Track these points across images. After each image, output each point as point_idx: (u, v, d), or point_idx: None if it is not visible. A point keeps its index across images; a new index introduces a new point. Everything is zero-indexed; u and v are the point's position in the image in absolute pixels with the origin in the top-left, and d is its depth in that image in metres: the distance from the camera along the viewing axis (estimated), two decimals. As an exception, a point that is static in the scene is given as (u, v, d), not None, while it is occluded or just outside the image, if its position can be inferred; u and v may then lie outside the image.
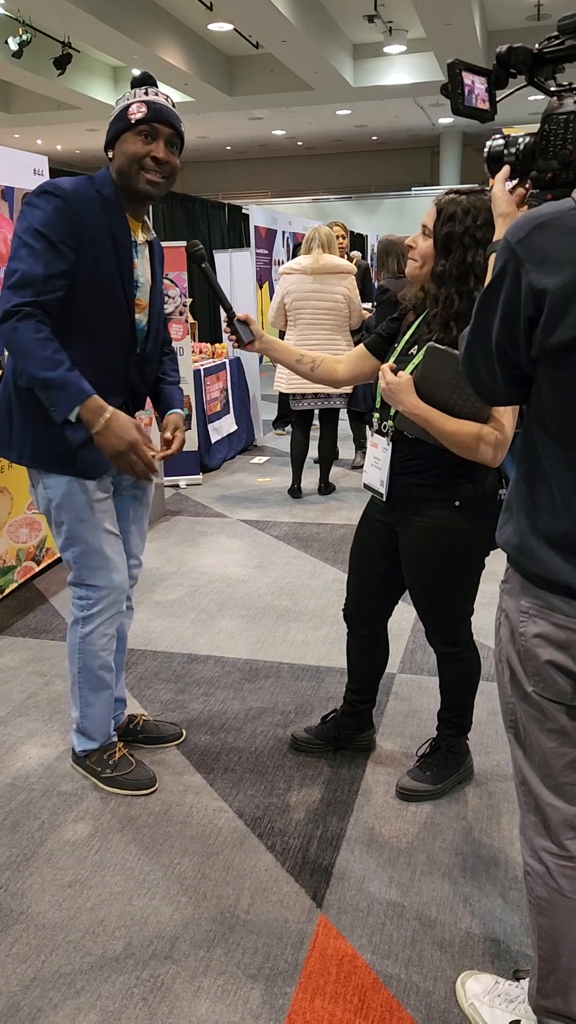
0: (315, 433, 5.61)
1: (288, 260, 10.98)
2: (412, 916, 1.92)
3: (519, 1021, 1.57)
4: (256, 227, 9.63)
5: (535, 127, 1.40)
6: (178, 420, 2.35)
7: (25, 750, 2.60)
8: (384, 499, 2.17)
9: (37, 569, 3.99)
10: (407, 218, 18.37)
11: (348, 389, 5.24)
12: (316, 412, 5.41)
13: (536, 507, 1.30)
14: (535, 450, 1.29)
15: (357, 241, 14.44)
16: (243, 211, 10.81)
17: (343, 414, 6.07)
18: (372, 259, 15.34)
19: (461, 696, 2.33)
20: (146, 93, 2.03)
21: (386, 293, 4.55)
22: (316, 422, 5.55)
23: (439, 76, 13.75)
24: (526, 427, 1.32)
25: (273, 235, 10.92)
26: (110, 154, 2.05)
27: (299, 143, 21.78)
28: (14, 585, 3.80)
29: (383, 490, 2.17)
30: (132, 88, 2.07)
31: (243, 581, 4.00)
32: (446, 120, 18.84)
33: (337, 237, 5.67)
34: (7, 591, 3.74)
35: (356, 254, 7.96)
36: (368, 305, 5.59)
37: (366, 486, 2.25)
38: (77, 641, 2.30)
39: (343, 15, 12.71)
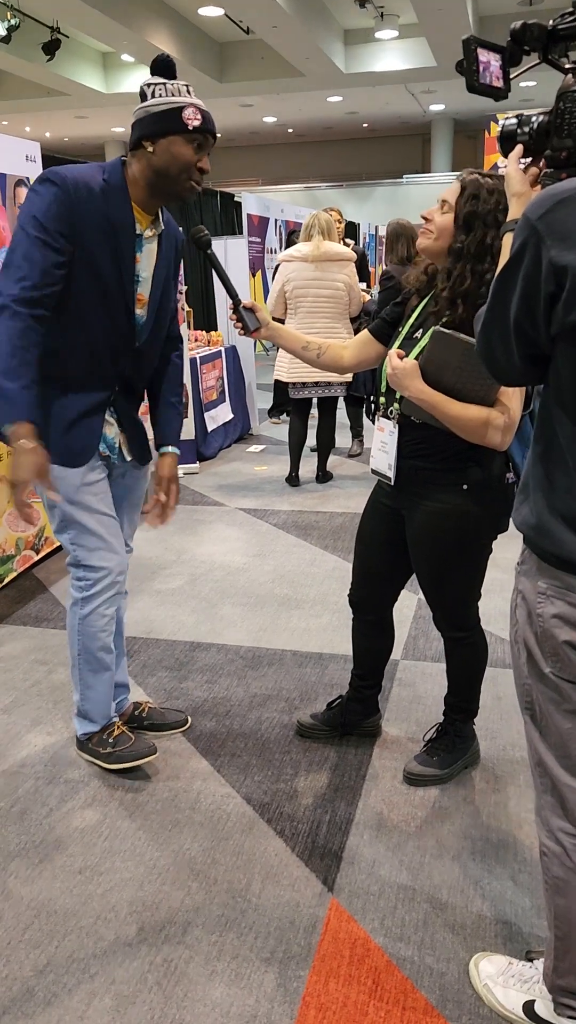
0: (312, 422, 5.60)
1: (281, 248, 10.96)
2: (423, 899, 1.92)
3: (534, 1001, 1.58)
4: (249, 215, 9.58)
5: (528, 111, 1.39)
6: (172, 466, 2.32)
7: (30, 738, 2.60)
8: (391, 483, 2.17)
9: (36, 558, 3.97)
10: (399, 206, 18.31)
11: (348, 377, 5.22)
12: (314, 400, 5.40)
13: (553, 486, 1.30)
14: (552, 429, 1.28)
15: (349, 229, 14.37)
16: (236, 199, 10.75)
17: (340, 402, 6.06)
18: (365, 246, 15.30)
19: (468, 681, 2.33)
20: (189, 92, 2.01)
21: (391, 279, 4.53)
22: (314, 411, 5.53)
23: (431, 62, 13.73)
24: (542, 406, 1.31)
25: (266, 223, 10.87)
26: (150, 148, 2.00)
27: (290, 130, 21.67)
28: (13, 574, 3.78)
29: (391, 474, 2.16)
30: (158, 74, 2.01)
31: (243, 569, 4.00)
32: (437, 107, 18.77)
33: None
34: (7, 580, 3.73)
35: (350, 242, 7.94)
36: (364, 286, 5.57)
37: (373, 471, 2.25)
38: (76, 622, 2.30)
39: (334, 0, 12.63)
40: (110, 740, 2.41)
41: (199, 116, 1.99)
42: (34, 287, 1.91)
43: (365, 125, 21.14)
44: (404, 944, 1.80)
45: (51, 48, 12.28)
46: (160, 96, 1.99)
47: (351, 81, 15.16)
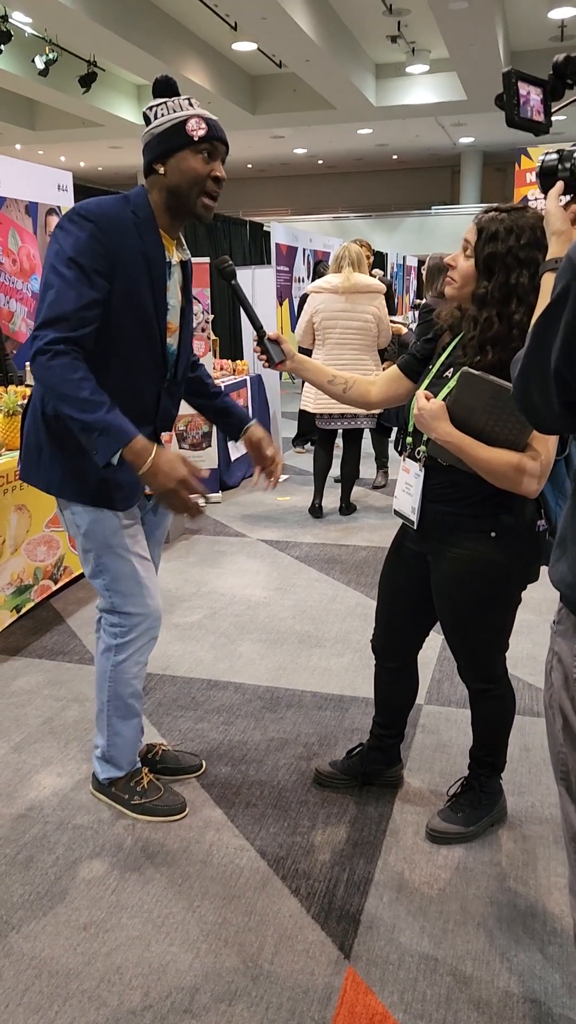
0: (337, 451, 5.54)
1: (309, 277, 10.98)
2: (446, 971, 1.81)
3: None
4: (277, 244, 9.62)
5: (568, 146, 1.32)
6: (261, 429, 2.30)
7: (40, 779, 2.52)
8: (415, 527, 2.08)
9: (54, 588, 3.92)
10: (427, 237, 18.37)
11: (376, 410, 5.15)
12: (340, 431, 5.34)
13: (594, 544, 1.21)
14: (593, 483, 1.20)
15: (378, 260, 14.39)
16: (264, 228, 10.80)
17: (366, 432, 5.99)
18: (393, 276, 15.32)
19: (495, 735, 2.23)
20: (191, 104, 1.96)
21: (430, 312, 4.46)
22: (339, 439, 5.47)
23: (461, 95, 13.79)
24: (584, 458, 1.23)
25: (294, 252, 10.91)
26: (161, 170, 1.96)
27: (320, 161, 21.87)
28: (31, 604, 3.73)
29: (414, 518, 2.08)
30: (160, 95, 1.98)
31: (264, 604, 3.91)
32: (467, 140, 18.86)
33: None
34: (24, 610, 3.67)
35: (378, 272, 7.91)
36: (400, 318, 5.52)
37: (397, 512, 2.17)
38: (108, 669, 2.22)
39: (366, 35, 12.75)
40: (138, 789, 2.33)
41: (204, 125, 1.93)
42: (71, 329, 1.86)
43: (395, 157, 21.28)
44: (425, 1022, 1.68)
45: (87, 81, 12.49)
46: (163, 115, 1.95)
47: (381, 114, 15.28)
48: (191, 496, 1.90)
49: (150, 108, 1.96)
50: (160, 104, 1.95)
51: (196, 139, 1.92)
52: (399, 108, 14.88)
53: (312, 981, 1.78)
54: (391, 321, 5.50)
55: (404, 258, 16.88)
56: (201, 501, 2.02)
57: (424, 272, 4.89)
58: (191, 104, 1.96)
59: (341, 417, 5.13)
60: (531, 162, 6.19)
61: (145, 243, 1.97)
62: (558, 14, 11.30)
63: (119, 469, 1.91)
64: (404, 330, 5.47)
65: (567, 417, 1.21)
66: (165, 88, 1.98)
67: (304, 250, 11.22)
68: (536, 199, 5.95)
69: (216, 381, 5.75)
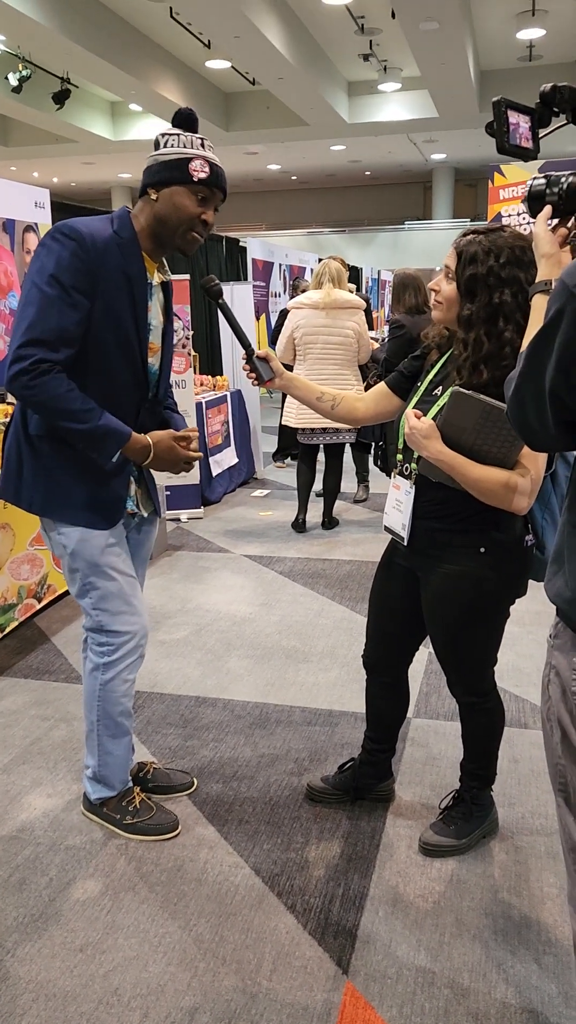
0: (319, 466, 5.57)
1: (286, 293, 11.04)
2: (443, 984, 1.82)
3: None
4: (254, 259, 9.67)
5: (528, 163, 1.36)
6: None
7: (30, 800, 2.50)
8: (405, 543, 2.11)
9: (38, 606, 3.90)
10: (401, 252, 18.57)
11: None
12: (322, 445, 5.38)
13: (589, 559, 1.23)
14: (588, 499, 1.23)
15: (352, 274, 14.53)
16: (241, 244, 10.86)
17: (347, 447, 6.03)
18: (368, 291, 15.44)
19: (485, 747, 2.25)
20: (203, 146, 1.99)
21: (401, 329, 4.52)
22: (321, 454, 5.51)
23: (433, 113, 13.98)
24: (577, 475, 1.26)
25: (270, 268, 10.97)
26: (154, 196, 1.98)
27: (293, 177, 22.04)
28: (15, 623, 3.70)
29: (404, 534, 2.10)
30: (177, 126, 2.00)
31: (249, 619, 3.92)
32: (438, 156, 19.10)
33: None
34: (8, 630, 3.65)
35: (352, 287, 7.98)
36: (375, 334, 5.58)
37: (387, 528, 2.19)
38: (97, 688, 2.22)
39: (338, 54, 12.90)
40: (130, 808, 2.32)
41: (207, 169, 1.97)
42: (53, 349, 1.89)
43: (367, 173, 21.50)
44: (425, 1035, 1.69)
45: (61, 97, 12.52)
46: (172, 146, 1.97)
47: (354, 131, 15.44)
48: (192, 461, 2.16)
49: (163, 135, 1.99)
50: (174, 135, 1.97)
51: (196, 180, 1.96)
52: (371, 125, 15.06)
53: (311, 997, 1.79)
54: None
55: (379, 273, 17.04)
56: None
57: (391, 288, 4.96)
58: (203, 145, 1.99)
59: (323, 432, 5.16)
60: (504, 179, 6.28)
61: (127, 263, 1.99)
62: (526, 35, 11.52)
63: (104, 487, 2.07)
64: (376, 345, 5.53)
65: (562, 436, 1.24)
66: (184, 121, 2.01)
67: (280, 265, 11.29)
68: (510, 215, 6.05)
69: (196, 397, 5.73)
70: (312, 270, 6.31)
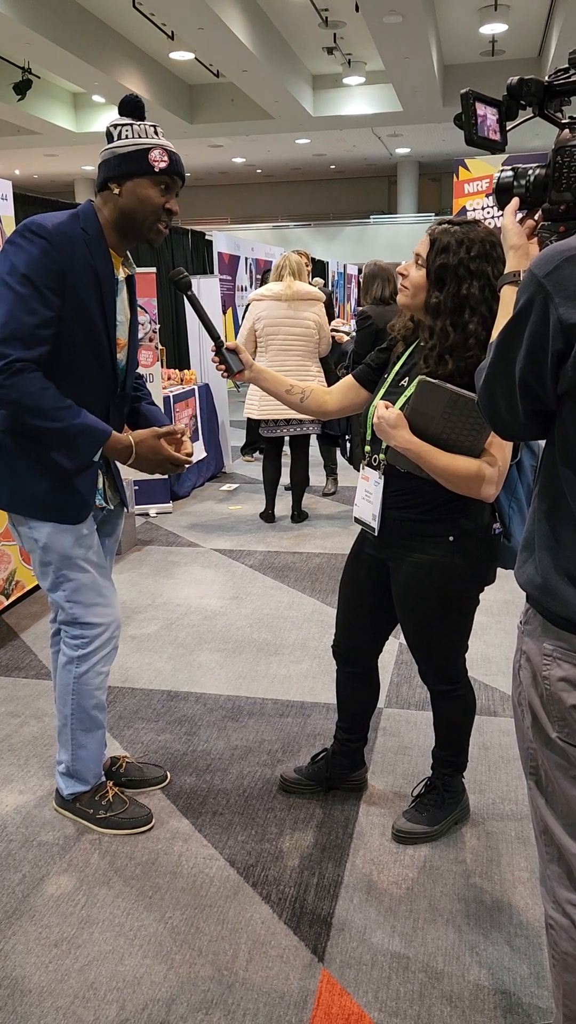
0: (286, 459, 5.57)
1: (252, 286, 11.02)
2: (418, 968, 1.84)
3: None
4: (220, 253, 9.64)
5: (492, 157, 1.38)
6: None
7: (1, 797, 2.48)
8: (375, 534, 2.12)
9: (6, 603, 3.86)
10: (368, 245, 18.61)
11: None
12: (287, 439, 5.38)
13: (560, 545, 1.26)
14: (558, 486, 1.25)
15: (318, 268, 14.54)
16: (207, 237, 10.82)
17: (313, 439, 6.04)
18: (333, 284, 15.45)
19: (457, 734, 2.28)
20: (157, 133, 1.98)
21: (368, 320, 4.54)
22: (286, 448, 5.51)
23: (397, 107, 14.03)
24: (547, 462, 1.28)
25: (236, 261, 10.94)
26: (116, 190, 1.97)
27: (258, 171, 21.99)
28: (-18, 621, 3.67)
29: (375, 524, 2.12)
30: (126, 115, 1.99)
31: (220, 613, 3.92)
32: (403, 150, 19.18)
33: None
34: (-25, 627, 3.61)
35: (318, 281, 7.99)
36: (344, 327, 5.60)
37: (357, 520, 2.20)
38: (71, 681, 2.20)
39: (303, 46, 12.89)
40: (103, 803, 2.31)
41: (166, 158, 1.96)
42: (27, 347, 1.87)
43: (332, 167, 21.53)
44: (400, 1019, 1.71)
45: (22, 88, 12.35)
46: (127, 137, 1.96)
47: (319, 124, 15.46)
48: (179, 462, 2.14)
49: (115, 126, 1.97)
50: (126, 125, 1.96)
51: (157, 170, 1.95)
52: (336, 119, 15.08)
53: (287, 986, 1.80)
54: (333, 329, 5.58)
55: (345, 266, 17.07)
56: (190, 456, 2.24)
57: (361, 279, 4.98)
58: (156, 133, 1.98)
59: (287, 423, 5.17)
60: (468, 173, 6.33)
61: (95, 260, 1.98)
62: (489, 29, 11.60)
63: (72, 482, 2.04)
64: (345, 338, 5.55)
65: (532, 425, 1.26)
66: (133, 108, 1.99)
67: (246, 259, 11.27)
68: (474, 209, 6.09)
69: (164, 391, 5.70)
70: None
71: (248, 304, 5.15)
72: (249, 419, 5.57)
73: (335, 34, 11.95)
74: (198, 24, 10.22)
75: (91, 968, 1.85)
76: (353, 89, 14.36)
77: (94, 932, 1.96)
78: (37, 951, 1.90)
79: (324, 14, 11.29)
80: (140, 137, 1.95)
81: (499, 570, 2.15)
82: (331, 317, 5.75)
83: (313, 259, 7.89)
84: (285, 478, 5.60)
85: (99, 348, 2.04)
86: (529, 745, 1.38)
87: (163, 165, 1.95)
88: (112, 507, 2.26)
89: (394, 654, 3.37)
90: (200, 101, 14.96)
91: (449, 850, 2.23)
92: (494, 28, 11.51)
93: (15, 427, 2.00)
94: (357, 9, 10.07)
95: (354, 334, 5.03)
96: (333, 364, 5.44)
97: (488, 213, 5.79)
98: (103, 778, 2.36)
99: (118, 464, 2.21)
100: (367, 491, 2.15)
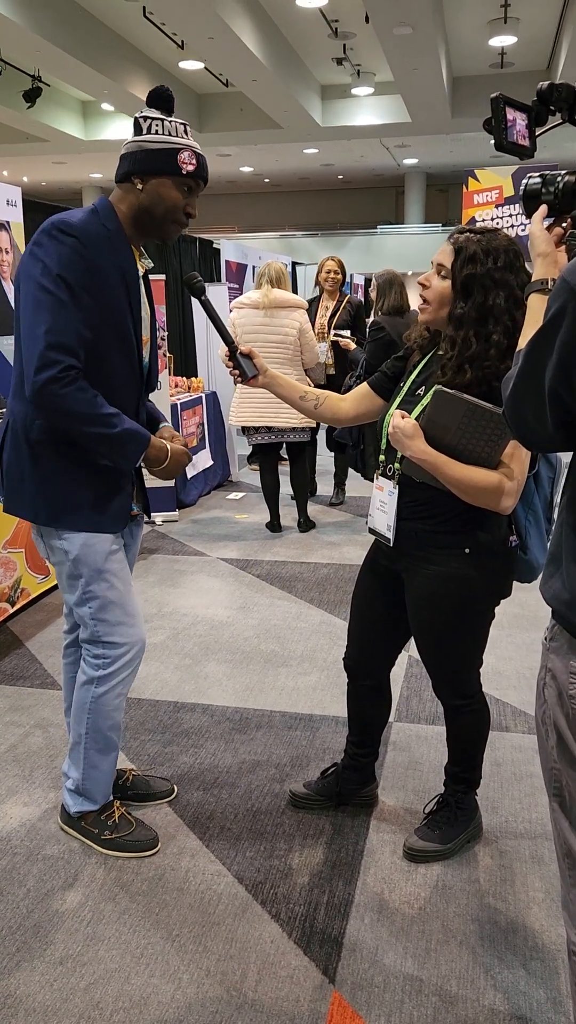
0: (284, 468, 5.54)
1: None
2: (431, 991, 1.80)
3: None
4: (227, 261, 9.63)
5: (502, 168, 1.35)
6: (173, 432, 2.27)
7: (5, 809, 2.44)
8: (390, 544, 2.09)
9: (11, 611, 3.83)
10: (375, 255, 18.62)
11: (311, 422, 5.12)
12: (284, 447, 5.36)
13: (587, 561, 1.22)
14: (586, 500, 1.21)
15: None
16: (214, 245, 10.82)
17: (321, 448, 6.01)
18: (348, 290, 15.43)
19: (470, 750, 2.23)
20: (186, 132, 1.96)
21: (381, 331, 4.52)
22: (284, 455, 5.48)
23: (405, 118, 14.05)
24: (574, 473, 1.25)
25: (244, 269, 10.93)
26: (139, 185, 1.94)
27: (266, 180, 22.04)
28: (-12, 628, 3.63)
29: (390, 535, 2.08)
30: (154, 106, 1.95)
31: (227, 623, 3.88)
32: (410, 161, 19.21)
33: (330, 272, 5.66)
34: (-20, 634, 3.57)
35: (347, 293, 7.93)
36: (345, 333, 5.57)
37: (371, 530, 2.17)
38: (89, 701, 2.15)
39: (312, 57, 12.92)
40: (109, 823, 2.24)
41: (194, 161, 1.95)
42: (73, 353, 1.84)
43: (340, 176, 21.57)
44: (414, 1045, 1.67)
45: (32, 96, 12.39)
46: (157, 132, 1.93)
47: (327, 134, 15.47)
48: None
49: (144, 118, 1.93)
50: (157, 119, 1.93)
51: (184, 172, 1.93)
52: (344, 129, 15.10)
53: (298, 1008, 1.76)
54: (339, 335, 5.55)
55: (352, 276, 17.08)
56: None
57: (373, 289, 4.95)
58: (186, 132, 1.96)
59: (268, 431, 5.14)
60: (478, 184, 6.31)
61: (118, 256, 1.95)
62: (498, 42, 11.61)
63: (110, 489, 2.03)
64: (353, 346, 5.52)
65: (560, 436, 1.22)
66: (163, 101, 1.96)
67: (253, 267, 11.26)
68: (483, 220, 6.07)
69: (171, 399, 5.68)
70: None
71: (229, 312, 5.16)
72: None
73: (344, 45, 11.97)
74: (208, 33, 10.24)
75: (97, 987, 1.81)
76: (362, 100, 14.38)
77: (100, 949, 1.92)
78: (42, 969, 1.86)
79: (334, 25, 11.31)
80: (170, 135, 1.93)
81: (517, 584, 2.11)
82: (361, 328, 5.70)
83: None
84: (287, 487, 5.55)
85: (128, 346, 2.01)
86: (553, 765, 1.34)
87: (191, 168, 1.93)
88: (139, 512, 2.23)
89: (404, 667, 3.32)
90: (209, 110, 14.99)
91: (462, 869, 2.18)
92: (503, 40, 11.52)
93: (57, 436, 1.95)
94: (367, 20, 10.09)
95: (365, 343, 5.01)
96: (345, 369, 5.42)
97: (496, 224, 5.77)
98: (111, 796, 2.31)
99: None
100: (382, 501, 2.12)
